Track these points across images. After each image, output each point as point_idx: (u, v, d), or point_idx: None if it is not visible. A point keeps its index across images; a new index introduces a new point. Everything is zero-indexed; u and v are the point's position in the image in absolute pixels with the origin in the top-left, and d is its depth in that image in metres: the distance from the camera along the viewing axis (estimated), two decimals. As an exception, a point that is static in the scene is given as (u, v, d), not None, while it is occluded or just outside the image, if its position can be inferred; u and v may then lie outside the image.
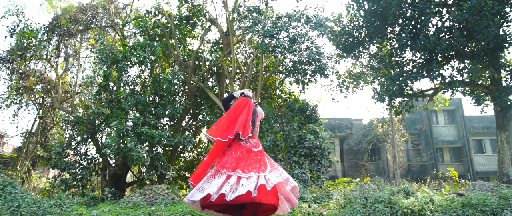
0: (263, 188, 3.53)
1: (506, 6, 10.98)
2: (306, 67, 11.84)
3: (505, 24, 11.13)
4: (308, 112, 12.52)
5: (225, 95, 14.53)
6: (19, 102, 16.70)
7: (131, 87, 13.06)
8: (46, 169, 23.09)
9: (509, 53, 12.20)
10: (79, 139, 12.91)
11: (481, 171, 24.03)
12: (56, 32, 14.31)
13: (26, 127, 19.32)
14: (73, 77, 16.74)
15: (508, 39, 10.93)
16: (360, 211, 7.34)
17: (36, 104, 17.27)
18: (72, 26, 14.34)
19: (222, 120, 4.03)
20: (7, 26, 13.68)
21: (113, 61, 12.39)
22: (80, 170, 12.34)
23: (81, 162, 12.76)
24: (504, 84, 11.87)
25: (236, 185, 3.58)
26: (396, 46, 12.93)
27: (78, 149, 12.97)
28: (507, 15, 10.96)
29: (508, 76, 11.84)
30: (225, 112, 4.73)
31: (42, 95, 16.83)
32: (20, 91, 16.07)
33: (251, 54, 14.96)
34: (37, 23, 17.29)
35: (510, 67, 11.79)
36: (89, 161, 13.05)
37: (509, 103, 11.53)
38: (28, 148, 17.88)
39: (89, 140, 13.05)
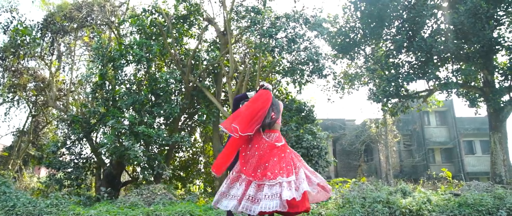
0: (293, 199, 3.17)
1: (500, 10, 11.19)
2: (303, 67, 11.89)
3: (498, 27, 11.35)
4: (305, 112, 12.58)
5: (222, 94, 14.51)
6: (11, 100, 16.43)
7: (127, 86, 12.97)
8: (36, 169, 22.75)
9: (502, 55, 12.44)
10: (73, 138, 12.76)
11: (471, 172, 24.40)
12: (50, 30, 14.10)
13: (17, 126, 19.01)
14: (66, 75, 16.56)
15: (501, 41, 11.15)
16: (359, 211, 7.39)
17: (29, 103, 17.02)
18: (67, 24, 14.16)
19: (244, 112, 3.61)
20: (0, 23, 13.47)
21: (109, 59, 12.29)
22: (75, 170, 12.19)
23: (76, 161, 12.62)
24: (497, 86, 12.09)
25: (259, 195, 3.26)
26: (392, 47, 13.08)
27: (73, 148, 12.82)
28: (501, 19, 11.17)
29: (501, 78, 12.07)
30: (233, 110, 4.62)
31: (35, 93, 16.59)
32: (13, 89, 15.81)
33: (248, 54, 14.97)
34: (31, 20, 17.03)
35: (503, 70, 12.02)
36: (84, 161, 12.91)
37: (502, 104, 11.75)
38: (20, 147, 17.61)
39: (84, 139, 12.91)
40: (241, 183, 3.42)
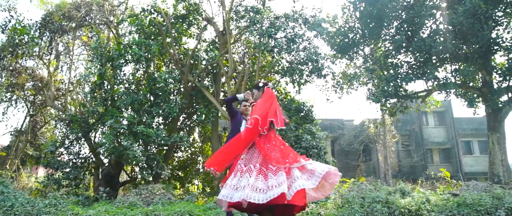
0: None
1: (498, 10, 11.23)
2: (302, 67, 11.89)
3: (497, 27, 11.39)
4: (304, 112, 12.58)
5: (221, 94, 14.49)
6: (9, 99, 16.36)
7: (126, 85, 12.93)
8: (34, 168, 22.68)
9: (500, 56, 12.48)
10: (72, 137, 12.72)
11: (469, 172, 24.45)
12: (48, 29, 14.04)
13: (15, 126, 18.92)
14: (65, 74, 16.51)
15: (499, 42, 11.19)
16: (358, 210, 7.40)
17: (27, 102, 16.95)
18: (66, 23, 14.10)
19: (271, 110, 3.79)
20: (-2, 22, 13.39)
21: (108, 59, 12.26)
22: (73, 169, 12.15)
23: (74, 161, 12.58)
24: (495, 86, 12.13)
25: (306, 173, 3.44)
26: (391, 47, 13.10)
27: (72, 148, 12.78)
28: (499, 19, 11.21)
29: (500, 79, 12.10)
30: (229, 112, 4.75)
31: (34, 92, 16.52)
32: (11, 88, 15.73)
33: (247, 54, 14.97)
34: (29, 19, 16.96)
35: (502, 70, 12.05)
36: (83, 160, 12.87)
37: (500, 105, 11.79)
38: (18, 147, 17.53)
39: (83, 139, 12.88)
40: (275, 173, 3.46)
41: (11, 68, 15.02)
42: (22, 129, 17.75)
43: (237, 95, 4.73)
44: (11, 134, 18.11)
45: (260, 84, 4.22)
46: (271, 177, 3.42)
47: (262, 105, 3.87)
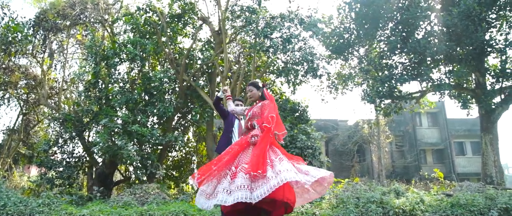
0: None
1: (492, 12, 11.35)
2: (298, 67, 11.91)
3: (490, 29, 11.51)
4: (299, 112, 12.61)
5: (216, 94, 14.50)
6: (1, 98, 16.18)
7: (121, 84, 12.86)
8: (26, 168, 22.46)
9: (493, 58, 12.60)
10: (66, 136, 12.62)
11: (462, 173, 24.66)
12: (42, 27, 13.92)
13: (8, 124, 18.73)
14: (58, 73, 16.38)
15: (493, 44, 11.31)
16: (353, 211, 7.44)
17: (20, 101, 16.78)
18: (60, 21, 13.99)
19: (276, 116, 4.05)
20: (-9, 19, 13.22)
21: (102, 57, 12.19)
22: (67, 169, 12.06)
23: (67, 160, 12.48)
24: (488, 87, 12.25)
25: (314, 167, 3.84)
26: (386, 48, 13.17)
27: (65, 147, 12.68)
28: (493, 21, 11.33)
29: (493, 80, 12.23)
30: (220, 113, 4.95)
31: (27, 91, 16.36)
32: (4, 86, 15.56)
33: (242, 54, 14.96)
34: (23, 17, 16.80)
35: (495, 72, 12.17)
36: (76, 159, 12.77)
37: (493, 106, 11.90)
38: (10, 146, 17.35)
39: (76, 138, 12.78)
40: (300, 162, 3.85)
41: (4, 66, 14.84)
42: (15, 128, 17.58)
43: (218, 94, 4.80)
44: (3, 133, 17.95)
45: (260, 84, 4.33)
46: (296, 166, 3.72)
47: (273, 108, 4.07)
